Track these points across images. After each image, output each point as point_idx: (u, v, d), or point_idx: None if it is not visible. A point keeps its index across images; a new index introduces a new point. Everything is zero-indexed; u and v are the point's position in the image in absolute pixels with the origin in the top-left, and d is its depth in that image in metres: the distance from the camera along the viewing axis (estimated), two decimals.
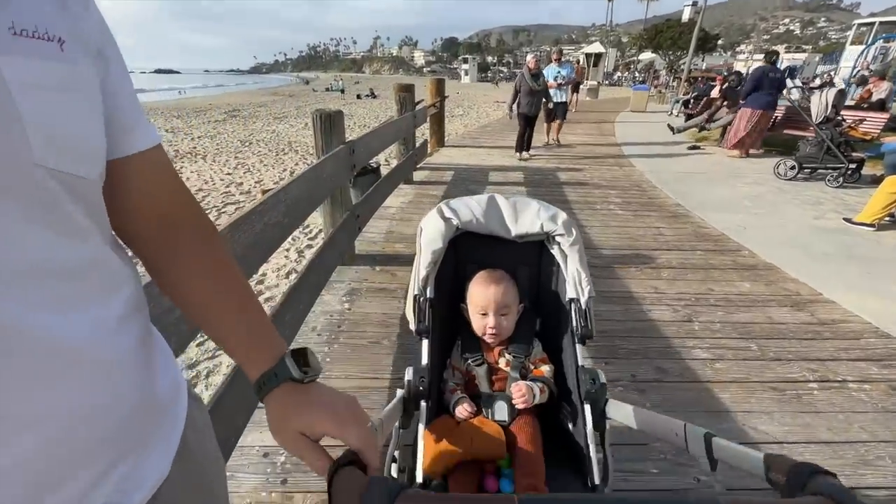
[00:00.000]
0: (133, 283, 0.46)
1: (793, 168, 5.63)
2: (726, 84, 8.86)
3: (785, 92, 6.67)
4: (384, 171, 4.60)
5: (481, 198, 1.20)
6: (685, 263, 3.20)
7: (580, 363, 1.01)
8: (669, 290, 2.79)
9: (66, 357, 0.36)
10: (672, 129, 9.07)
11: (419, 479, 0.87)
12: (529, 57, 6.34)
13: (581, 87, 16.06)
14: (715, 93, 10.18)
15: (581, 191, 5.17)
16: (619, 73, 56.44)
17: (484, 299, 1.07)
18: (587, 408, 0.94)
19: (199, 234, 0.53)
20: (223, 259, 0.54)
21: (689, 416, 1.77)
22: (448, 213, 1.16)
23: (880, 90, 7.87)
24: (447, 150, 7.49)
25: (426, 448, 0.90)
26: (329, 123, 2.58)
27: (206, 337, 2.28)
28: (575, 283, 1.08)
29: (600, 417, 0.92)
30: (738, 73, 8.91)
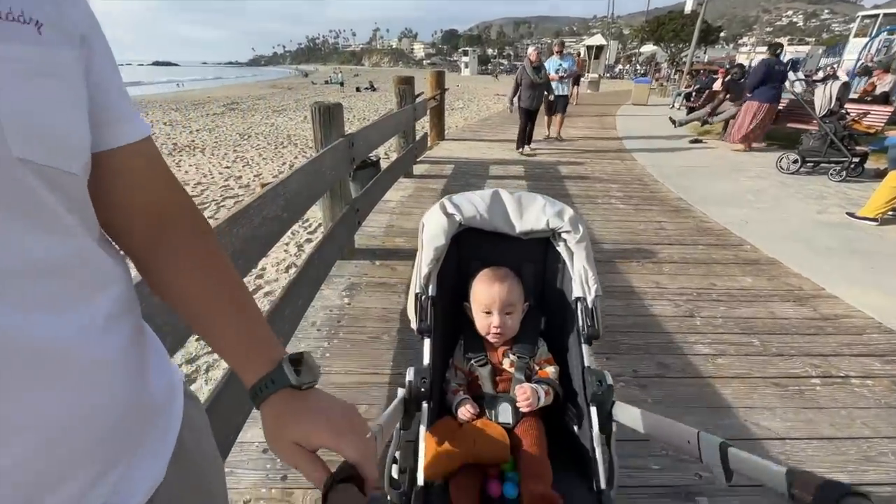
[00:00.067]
0: (123, 280, 0.44)
1: (796, 162, 5.59)
2: (729, 77, 8.78)
3: (788, 85, 6.61)
4: (384, 164, 4.56)
5: (485, 193, 1.17)
6: (687, 258, 3.18)
7: (586, 364, 0.99)
8: (671, 285, 2.78)
9: (51, 359, 0.34)
10: (674, 122, 9.01)
11: (420, 481, 0.85)
12: (531, 49, 6.24)
13: (582, 79, 15.93)
14: (717, 86, 10.10)
15: (582, 185, 5.13)
16: (620, 66, 56.03)
17: (488, 298, 1.04)
18: (593, 410, 0.92)
19: (192, 231, 0.50)
20: (218, 258, 0.51)
21: (691, 412, 1.77)
22: (451, 209, 1.13)
23: (884, 83, 7.81)
24: (447, 143, 7.44)
25: (427, 450, 0.88)
26: (328, 116, 2.54)
27: None
28: (581, 281, 1.05)
29: (607, 420, 0.90)
30: (741, 66, 8.80)
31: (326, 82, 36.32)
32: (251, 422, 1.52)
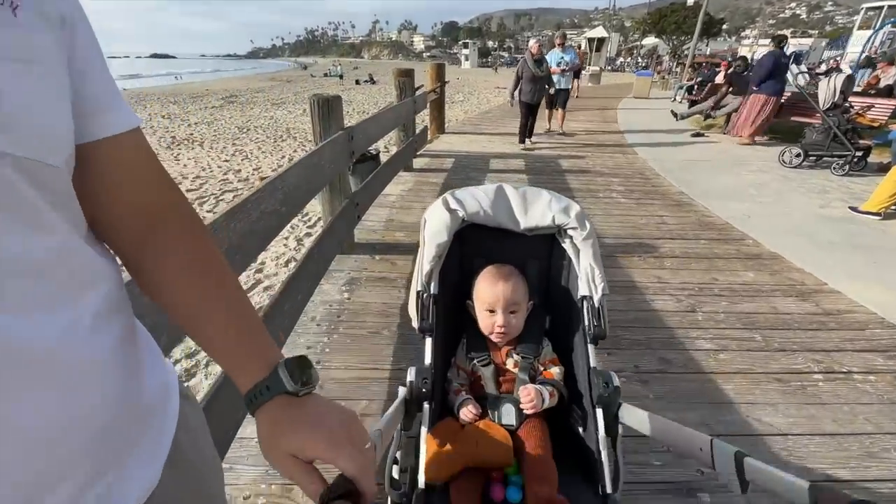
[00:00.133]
0: (112, 278, 0.42)
1: (798, 156, 5.56)
2: (731, 69, 8.69)
3: (791, 78, 6.54)
4: (384, 158, 4.53)
5: (488, 188, 1.14)
6: (689, 253, 3.16)
7: (592, 365, 0.96)
8: (673, 280, 2.76)
9: (35, 360, 0.32)
10: (675, 115, 8.94)
11: (421, 483, 0.83)
12: (532, 41, 6.13)
13: (583, 72, 15.80)
14: (719, 78, 10.02)
15: (583, 178, 5.10)
16: (621, 59, 55.60)
17: (492, 296, 1.01)
18: (599, 412, 0.90)
19: (184, 228, 0.48)
20: (211, 257, 0.49)
21: (693, 408, 1.76)
22: (453, 205, 1.10)
23: (888, 76, 7.74)
24: (447, 136, 7.39)
25: (428, 452, 0.86)
26: (327, 109, 2.51)
27: None
28: (588, 279, 1.03)
29: (613, 422, 0.88)
30: (744, 58, 8.71)
31: (325, 75, 36.05)
32: (251, 417, 1.50)
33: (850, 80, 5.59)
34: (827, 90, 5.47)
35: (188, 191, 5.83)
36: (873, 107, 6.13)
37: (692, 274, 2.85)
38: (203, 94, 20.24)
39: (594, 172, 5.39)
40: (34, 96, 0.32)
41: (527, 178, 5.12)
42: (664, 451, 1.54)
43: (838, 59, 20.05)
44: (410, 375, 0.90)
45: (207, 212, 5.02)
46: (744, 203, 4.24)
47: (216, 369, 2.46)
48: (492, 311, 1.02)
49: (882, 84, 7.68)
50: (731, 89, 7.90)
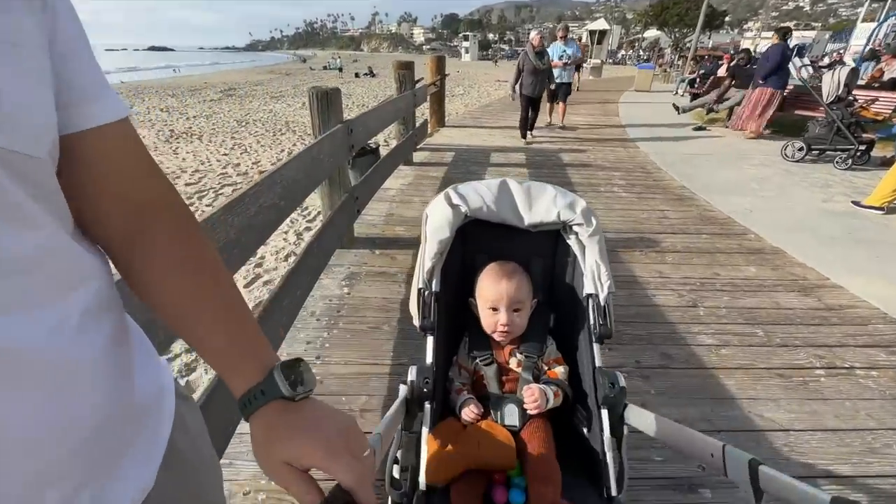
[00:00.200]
0: (102, 276, 0.41)
1: (801, 150, 5.52)
2: (734, 62, 8.61)
3: (794, 71, 6.48)
4: (383, 151, 4.49)
5: (492, 183, 1.11)
6: (690, 247, 3.14)
7: (598, 364, 0.95)
8: (674, 275, 2.75)
9: (19, 361, 0.31)
10: (677, 108, 8.87)
11: (422, 485, 0.82)
12: (533, 33, 6.05)
13: (584, 65, 15.66)
14: (722, 71, 9.93)
15: (584, 172, 5.07)
16: (623, 52, 55.18)
17: (495, 294, 0.99)
18: (604, 413, 0.88)
19: (176, 225, 0.46)
20: (204, 255, 0.47)
21: (694, 403, 1.75)
22: (456, 200, 1.07)
23: (892, 69, 7.65)
24: (447, 130, 7.34)
25: (429, 453, 0.84)
26: (326, 102, 2.48)
27: None
28: (593, 277, 1.01)
29: (618, 423, 0.86)
30: (747, 51, 8.63)
31: (325, 68, 35.83)
32: None
33: (854, 73, 5.54)
34: (831, 83, 5.42)
35: (187, 185, 5.80)
36: (877, 100, 6.08)
37: (694, 269, 2.83)
38: (201, 87, 20.12)
39: (595, 166, 5.35)
40: (13, 83, 0.30)
41: (527, 171, 5.09)
42: (664, 447, 1.53)
43: (841, 51, 19.87)
44: (411, 374, 0.88)
45: (206, 206, 4.99)
46: (746, 197, 4.22)
47: None
48: (495, 310, 1.00)
49: (886, 77, 7.60)
50: (733, 82, 7.83)
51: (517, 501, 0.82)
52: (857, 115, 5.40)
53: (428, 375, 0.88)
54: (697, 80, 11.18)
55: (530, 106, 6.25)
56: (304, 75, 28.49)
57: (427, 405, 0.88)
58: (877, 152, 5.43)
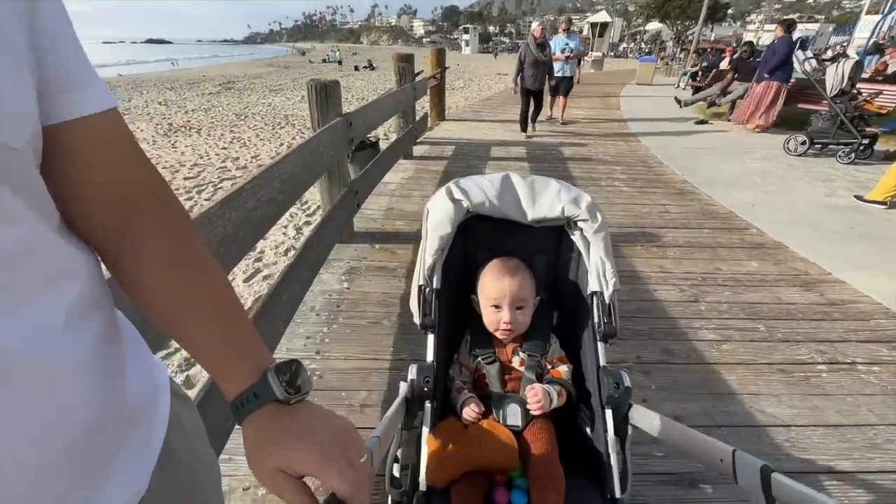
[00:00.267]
0: (89, 272, 0.39)
1: (803, 143, 5.48)
2: (737, 55, 8.54)
3: (797, 65, 6.43)
4: (383, 145, 4.46)
5: (494, 177, 1.08)
6: (692, 242, 3.13)
7: (602, 364, 0.93)
8: (676, 270, 2.73)
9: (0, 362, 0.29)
10: (679, 102, 8.81)
11: (422, 486, 0.81)
12: (535, 25, 5.95)
13: (585, 59, 15.54)
14: (724, 64, 9.85)
15: (585, 167, 5.04)
16: (624, 44, 54.76)
17: (498, 291, 0.97)
18: (608, 413, 0.87)
19: (166, 220, 0.44)
20: (196, 253, 0.45)
21: (695, 399, 1.75)
22: (457, 194, 1.04)
23: None
24: (448, 123, 7.29)
25: (430, 453, 0.83)
26: (325, 94, 2.45)
27: None
28: (598, 274, 0.99)
29: (622, 423, 0.85)
30: (750, 44, 8.55)
31: (324, 61, 35.60)
32: None
33: (858, 66, 5.49)
34: (835, 76, 5.37)
35: (186, 178, 5.77)
36: (881, 93, 6.03)
37: (695, 263, 2.82)
38: (200, 81, 19.99)
39: (597, 160, 5.32)
40: None
41: (528, 165, 5.06)
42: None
43: (845, 44, 19.68)
44: (412, 373, 0.86)
45: (205, 200, 4.97)
46: (748, 191, 4.19)
47: None
48: (497, 307, 0.98)
49: (890, 70, 7.56)
50: (736, 76, 7.77)
51: (519, 503, 0.80)
52: (860, 108, 5.36)
53: (428, 374, 0.86)
54: (700, 73, 11.10)
55: (531, 99, 6.17)
56: (303, 68, 28.30)
57: (427, 404, 0.86)
58: (880, 146, 5.39)
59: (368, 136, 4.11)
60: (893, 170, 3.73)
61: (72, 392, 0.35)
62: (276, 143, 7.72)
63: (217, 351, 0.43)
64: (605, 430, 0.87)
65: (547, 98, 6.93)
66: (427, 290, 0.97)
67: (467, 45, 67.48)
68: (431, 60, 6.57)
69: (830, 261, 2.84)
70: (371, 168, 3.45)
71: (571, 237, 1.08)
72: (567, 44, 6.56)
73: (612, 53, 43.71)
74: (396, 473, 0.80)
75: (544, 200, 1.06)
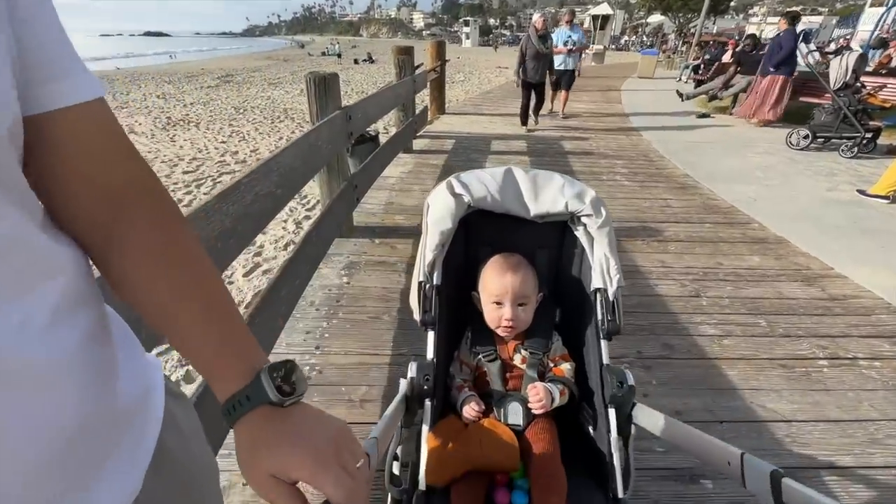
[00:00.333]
0: (76, 268, 0.38)
1: (806, 137, 5.44)
2: (740, 48, 8.46)
3: (801, 58, 6.37)
4: (383, 139, 4.43)
5: (496, 171, 1.06)
6: (693, 236, 3.11)
7: (605, 362, 0.91)
8: (677, 264, 2.72)
9: None
10: (681, 95, 8.75)
11: (422, 485, 0.80)
12: (536, 16, 5.85)
13: (585, 51, 15.41)
14: (727, 57, 9.77)
15: (586, 160, 5.01)
16: (626, 37, 54.34)
17: (499, 288, 0.95)
18: (611, 412, 0.86)
19: (156, 215, 0.42)
20: (188, 249, 0.43)
21: (696, 394, 1.74)
22: (458, 189, 1.02)
23: None
24: (448, 117, 7.24)
25: (429, 452, 0.82)
26: (324, 87, 2.42)
27: None
28: (602, 270, 0.97)
29: (625, 422, 0.83)
30: (753, 37, 8.47)
31: (323, 54, 35.36)
32: None
33: (862, 58, 5.43)
34: (839, 69, 5.32)
35: (185, 172, 5.75)
36: (885, 87, 5.98)
37: (696, 258, 2.81)
38: (198, 74, 19.87)
39: (598, 154, 5.29)
40: None
41: (529, 160, 5.03)
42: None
43: (848, 37, 19.51)
44: (411, 371, 0.85)
45: (204, 194, 4.95)
46: (750, 186, 4.17)
47: None
48: (499, 304, 0.96)
49: (894, 63, 7.48)
50: (739, 69, 7.70)
51: (520, 503, 0.79)
52: (864, 102, 5.31)
53: (428, 372, 0.85)
54: (702, 66, 11.02)
55: (532, 92, 6.09)
56: (302, 61, 28.11)
57: (427, 402, 0.85)
58: (883, 140, 5.36)
59: (368, 129, 4.08)
60: None
61: (60, 392, 0.34)
62: (275, 137, 7.68)
63: (208, 350, 0.42)
64: (608, 430, 0.85)
65: (548, 92, 6.85)
66: (427, 286, 0.95)
67: (467, 37, 66.89)
68: (431, 53, 6.50)
69: (832, 256, 2.83)
70: (371, 162, 3.43)
71: (575, 233, 1.06)
72: (570, 36, 6.45)
73: (613, 46, 43.38)
74: (396, 471, 0.79)
75: (547, 195, 1.04)
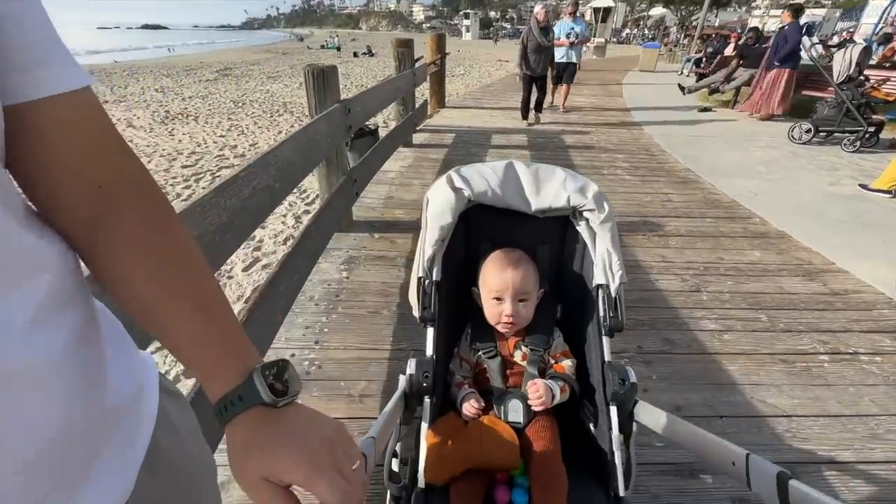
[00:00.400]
0: (62, 266, 0.36)
1: (808, 131, 5.41)
2: (742, 41, 8.38)
3: (804, 51, 6.30)
4: (382, 133, 4.40)
5: (497, 165, 1.04)
6: (694, 231, 3.10)
7: (607, 359, 0.90)
8: (678, 259, 2.71)
9: None
10: (683, 89, 8.69)
11: (421, 483, 0.79)
12: (538, 8, 5.74)
13: (587, 45, 15.28)
14: (729, 51, 9.69)
15: (587, 154, 4.98)
16: (627, 30, 53.91)
17: (500, 283, 0.94)
18: (613, 409, 0.85)
19: (145, 208, 0.41)
20: (179, 246, 0.42)
21: (696, 389, 1.74)
22: (459, 183, 1.00)
23: None
24: (448, 111, 7.19)
25: (428, 450, 0.81)
26: (322, 80, 2.40)
27: None
28: (605, 266, 0.95)
29: (627, 420, 0.82)
30: (756, 30, 8.39)
31: (322, 47, 35.12)
32: None
33: (866, 51, 5.37)
34: (842, 62, 5.27)
35: (184, 167, 5.72)
36: (889, 80, 5.93)
37: (697, 253, 2.79)
38: (197, 67, 19.74)
39: (598, 148, 5.26)
40: None
41: (529, 153, 5.00)
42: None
43: (851, 30, 19.33)
44: (410, 368, 0.84)
45: (203, 188, 4.93)
46: (751, 180, 4.15)
47: None
48: (499, 300, 0.95)
49: None
50: (741, 62, 7.64)
51: (520, 502, 0.78)
52: (867, 95, 5.27)
53: (427, 369, 0.84)
54: (704, 59, 10.93)
55: (534, 86, 6.01)
56: (301, 55, 27.90)
57: (426, 399, 0.84)
58: (886, 134, 5.33)
59: (367, 123, 4.05)
60: None
61: (45, 393, 0.33)
62: (274, 131, 7.63)
63: (199, 349, 0.40)
64: (609, 427, 0.84)
65: (549, 85, 6.76)
66: (426, 282, 0.94)
67: (468, 30, 66.30)
68: (431, 46, 6.44)
69: (834, 250, 2.82)
70: (370, 156, 3.41)
71: (577, 228, 1.04)
72: (572, 28, 6.34)
73: (615, 39, 43.07)
74: (395, 468, 0.79)
75: (549, 189, 1.02)
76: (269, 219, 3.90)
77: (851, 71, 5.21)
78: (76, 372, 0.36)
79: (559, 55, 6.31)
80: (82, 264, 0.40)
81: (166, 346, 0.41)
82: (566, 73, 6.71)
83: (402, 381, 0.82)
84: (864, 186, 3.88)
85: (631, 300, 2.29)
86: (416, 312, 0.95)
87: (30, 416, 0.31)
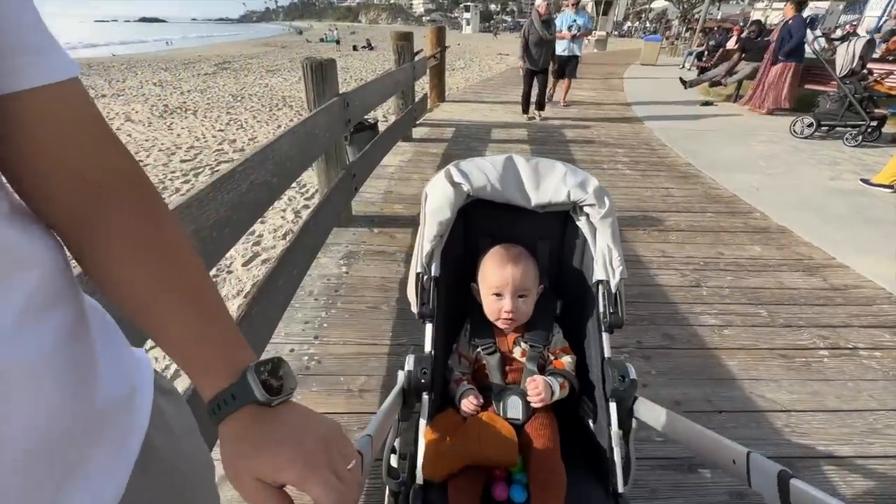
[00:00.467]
0: (50, 263, 0.35)
1: (810, 125, 5.37)
2: (744, 34, 8.32)
3: (807, 45, 6.25)
4: (382, 127, 4.37)
5: (496, 159, 1.02)
6: (694, 226, 3.09)
7: (607, 355, 0.90)
8: (678, 254, 2.70)
9: None
10: (684, 83, 8.63)
11: (419, 479, 0.79)
12: (539, 0, 5.75)
13: (589, 38, 15.16)
14: (731, 44, 9.63)
15: (588, 149, 4.96)
16: (629, 23, 53.50)
17: (499, 279, 0.93)
18: (612, 406, 0.84)
19: (136, 202, 0.39)
20: (170, 241, 0.41)
21: (696, 384, 1.74)
22: (458, 178, 0.99)
23: None
24: (448, 105, 7.15)
25: (427, 446, 0.80)
26: (321, 73, 2.37)
27: None
28: (605, 262, 0.95)
29: (627, 417, 0.82)
30: (758, 23, 8.32)
31: (321, 40, 34.87)
32: None
33: (870, 44, 5.32)
34: (846, 55, 5.22)
35: (182, 161, 5.70)
36: (892, 73, 5.88)
37: (697, 248, 2.79)
38: (195, 61, 19.63)
39: (599, 143, 5.23)
40: None
41: (529, 148, 4.98)
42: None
43: (854, 23, 19.18)
44: (409, 364, 0.83)
45: (202, 182, 4.91)
46: (752, 175, 4.13)
47: None
48: (499, 296, 0.94)
49: None
50: (743, 55, 7.58)
51: (518, 499, 0.78)
52: (870, 89, 5.24)
53: (426, 365, 0.83)
54: (706, 53, 10.86)
55: (533, 79, 5.94)
56: (300, 48, 27.73)
57: (425, 396, 0.84)
58: (888, 129, 5.29)
59: (367, 117, 4.03)
60: None
61: (34, 393, 0.32)
62: (273, 125, 7.60)
63: (191, 348, 0.40)
64: (609, 424, 0.84)
65: (550, 79, 6.67)
66: (425, 277, 0.93)
67: (468, 23, 65.92)
68: (431, 39, 6.40)
69: (835, 245, 2.81)
70: (369, 150, 3.39)
71: (577, 223, 1.03)
72: (575, 20, 6.23)
73: (616, 33, 42.77)
74: (394, 464, 0.78)
75: (549, 184, 1.01)
76: (268, 213, 3.90)
77: (854, 64, 5.16)
78: (66, 371, 0.35)
79: (561, 48, 6.23)
80: (73, 262, 0.39)
81: (159, 343, 0.40)
82: (568, 66, 6.61)
83: (401, 377, 0.82)
84: (865, 181, 3.87)
85: (631, 295, 2.28)
86: (414, 308, 0.94)
87: (17, 417, 0.31)
